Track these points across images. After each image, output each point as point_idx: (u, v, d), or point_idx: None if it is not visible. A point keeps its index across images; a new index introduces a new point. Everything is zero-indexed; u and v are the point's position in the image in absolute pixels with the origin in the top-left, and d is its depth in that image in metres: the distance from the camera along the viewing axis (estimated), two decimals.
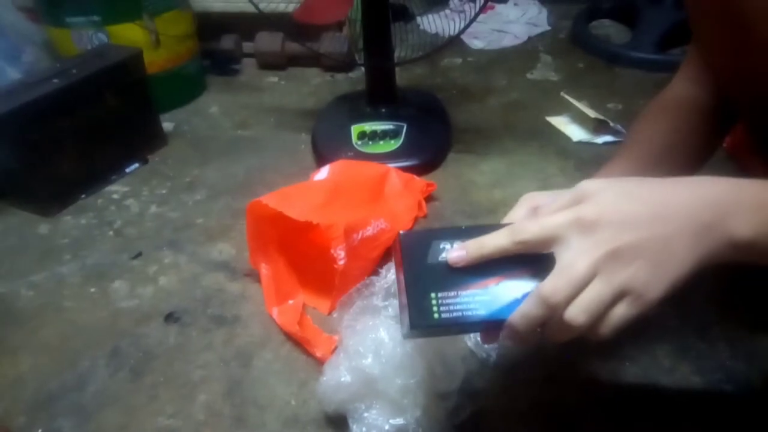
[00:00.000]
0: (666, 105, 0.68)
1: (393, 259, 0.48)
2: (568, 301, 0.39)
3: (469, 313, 0.42)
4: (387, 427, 0.56)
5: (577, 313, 0.39)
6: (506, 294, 0.43)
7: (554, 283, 0.39)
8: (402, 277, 0.44)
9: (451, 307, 0.43)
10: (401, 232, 0.46)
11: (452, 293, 0.43)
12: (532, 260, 0.42)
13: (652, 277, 0.39)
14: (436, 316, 0.42)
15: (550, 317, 0.40)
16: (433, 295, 0.43)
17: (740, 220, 0.39)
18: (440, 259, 0.44)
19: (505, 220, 0.47)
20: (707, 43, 0.62)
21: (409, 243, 0.45)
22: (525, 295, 0.42)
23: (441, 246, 0.44)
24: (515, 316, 0.41)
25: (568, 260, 0.39)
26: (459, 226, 0.46)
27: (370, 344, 0.58)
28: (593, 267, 0.38)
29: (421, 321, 0.43)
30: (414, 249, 0.45)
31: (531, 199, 0.48)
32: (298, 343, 0.71)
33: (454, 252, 0.43)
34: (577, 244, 0.39)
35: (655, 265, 0.39)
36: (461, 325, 0.43)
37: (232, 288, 0.81)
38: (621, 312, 0.39)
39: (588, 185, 0.42)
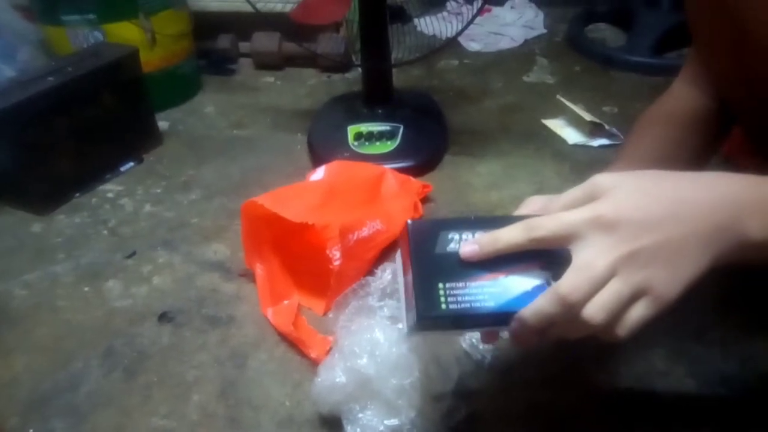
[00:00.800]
0: (666, 108, 0.69)
1: (399, 248, 0.47)
2: (586, 300, 0.39)
3: (478, 304, 0.42)
4: (381, 428, 0.55)
5: (595, 311, 0.38)
6: (516, 286, 0.42)
7: (573, 282, 0.39)
8: (409, 267, 0.44)
9: (459, 298, 0.42)
10: (409, 220, 0.45)
11: (460, 284, 0.42)
12: (543, 252, 0.42)
13: (669, 278, 0.39)
14: (443, 306, 0.42)
15: (565, 315, 0.40)
16: (440, 285, 0.42)
17: (754, 220, 0.39)
18: (448, 249, 0.43)
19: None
20: (706, 45, 0.62)
21: (417, 232, 0.44)
22: (536, 288, 0.42)
23: (450, 236, 0.43)
24: (528, 312, 0.41)
25: (587, 259, 0.39)
26: (468, 216, 0.45)
27: (366, 344, 0.57)
28: (612, 266, 0.38)
29: (428, 311, 0.42)
30: (422, 238, 0.44)
31: (534, 202, 0.48)
32: (292, 343, 0.71)
33: (467, 246, 0.43)
34: (595, 242, 0.39)
35: (672, 265, 0.39)
36: (469, 318, 0.42)
37: (226, 288, 0.81)
38: (638, 312, 0.39)
39: (603, 180, 0.41)
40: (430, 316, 0.42)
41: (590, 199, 0.41)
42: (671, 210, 0.39)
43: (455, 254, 0.43)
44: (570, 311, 0.39)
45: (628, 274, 0.38)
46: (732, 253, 0.40)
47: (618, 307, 0.39)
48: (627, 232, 0.39)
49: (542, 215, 0.42)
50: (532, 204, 0.48)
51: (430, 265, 0.43)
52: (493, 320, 0.44)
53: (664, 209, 0.39)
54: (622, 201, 0.40)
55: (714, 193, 0.40)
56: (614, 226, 0.39)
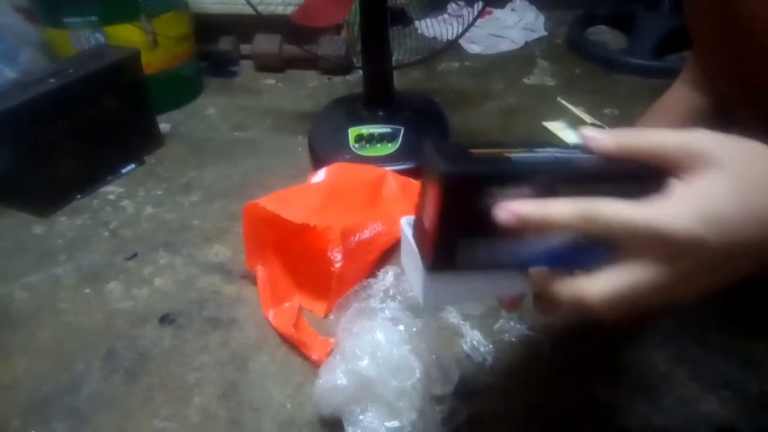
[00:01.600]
0: (665, 110, 0.69)
1: (422, 179, 0.41)
2: (611, 312, 0.35)
3: (497, 261, 0.39)
4: (382, 430, 0.55)
5: (612, 315, 0.35)
6: (543, 243, 0.38)
7: (608, 294, 0.34)
8: (432, 214, 0.39)
9: (480, 254, 0.39)
10: (448, 168, 0.37)
11: (483, 240, 0.38)
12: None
13: (707, 286, 0.35)
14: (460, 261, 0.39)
15: (578, 309, 0.36)
16: (461, 240, 0.39)
17: None
18: (483, 205, 0.37)
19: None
20: (705, 48, 0.62)
21: (453, 183, 0.37)
22: (564, 249, 0.38)
23: (488, 190, 0.38)
24: (539, 279, 0.38)
25: (639, 276, 0.34)
26: (514, 160, 0.38)
27: (367, 346, 0.58)
28: (663, 284, 0.34)
29: (443, 264, 0.39)
30: (457, 192, 0.38)
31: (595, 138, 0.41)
32: (294, 345, 0.71)
33: (505, 213, 0.36)
34: (658, 256, 0.34)
35: (717, 277, 0.35)
36: (488, 267, 0.39)
37: (227, 290, 0.81)
38: (647, 307, 0.35)
39: (705, 149, 0.34)
40: (444, 269, 0.39)
41: (680, 165, 0.35)
42: (759, 227, 0.33)
43: (489, 210, 0.37)
44: (585, 311, 0.35)
45: (673, 287, 0.34)
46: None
47: (632, 311, 0.35)
48: (701, 256, 0.33)
49: (604, 201, 0.35)
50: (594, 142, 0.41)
51: (456, 220, 0.38)
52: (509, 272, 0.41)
53: (756, 228, 0.33)
54: (716, 216, 0.32)
55: None
56: (690, 253, 0.33)
